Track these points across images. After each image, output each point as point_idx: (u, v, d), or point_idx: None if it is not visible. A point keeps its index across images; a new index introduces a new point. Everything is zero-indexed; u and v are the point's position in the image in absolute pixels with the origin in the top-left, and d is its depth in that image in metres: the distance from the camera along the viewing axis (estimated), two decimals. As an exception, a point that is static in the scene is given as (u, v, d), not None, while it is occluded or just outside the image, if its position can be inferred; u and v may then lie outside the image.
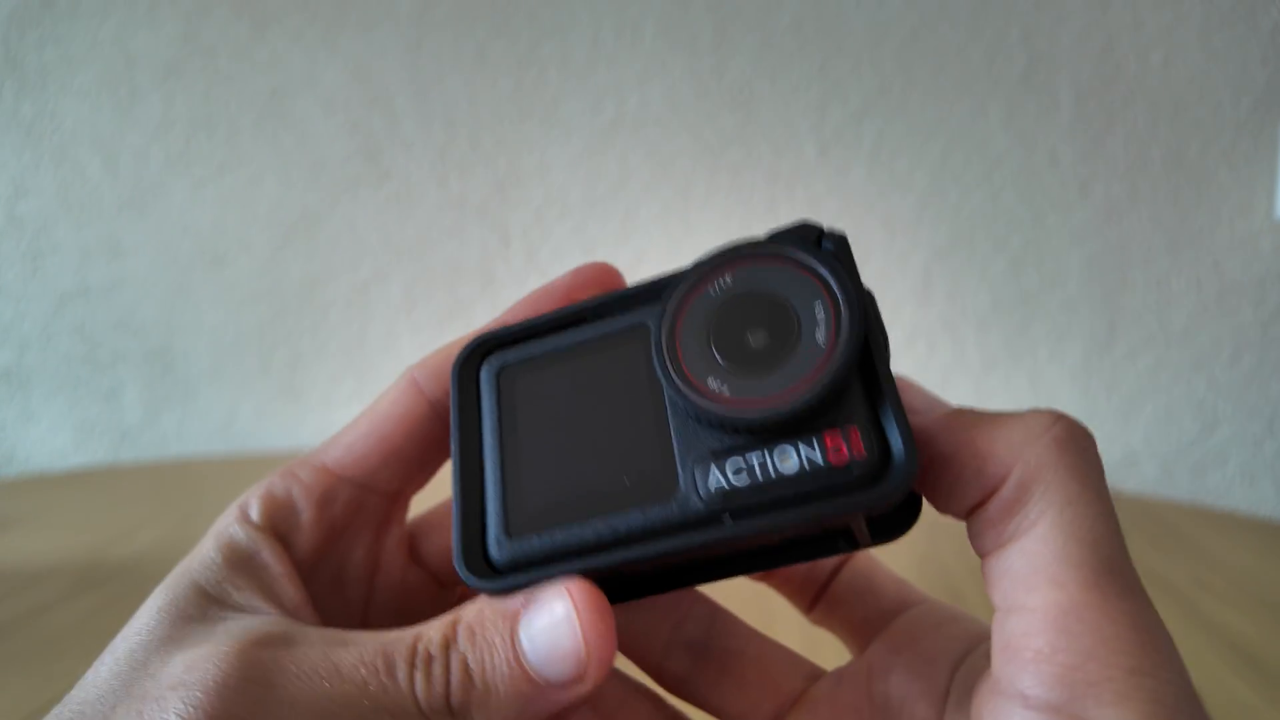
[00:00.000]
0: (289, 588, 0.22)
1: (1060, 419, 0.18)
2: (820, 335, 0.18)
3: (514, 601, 0.19)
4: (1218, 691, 0.41)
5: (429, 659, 0.18)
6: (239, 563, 0.21)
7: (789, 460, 0.18)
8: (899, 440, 0.17)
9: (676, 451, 0.19)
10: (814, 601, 0.26)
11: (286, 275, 0.83)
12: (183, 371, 0.86)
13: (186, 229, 0.84)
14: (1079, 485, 0.17)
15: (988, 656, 0.20)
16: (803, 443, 0.18)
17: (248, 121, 0.82)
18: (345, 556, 0.24)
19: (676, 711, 0.25)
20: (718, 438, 0.19)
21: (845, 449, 0.18)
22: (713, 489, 0.18)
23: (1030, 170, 0.73)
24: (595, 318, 0.22)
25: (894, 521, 0.20)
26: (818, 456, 0.18)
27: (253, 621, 0.19)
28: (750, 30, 0.75)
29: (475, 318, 0.81)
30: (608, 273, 0.24)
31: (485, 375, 0.23)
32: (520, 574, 0.20)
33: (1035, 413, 0.18)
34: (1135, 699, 0.14)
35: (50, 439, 0.88)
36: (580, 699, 0.19)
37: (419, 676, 0.18)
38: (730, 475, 0.18)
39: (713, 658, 0.25)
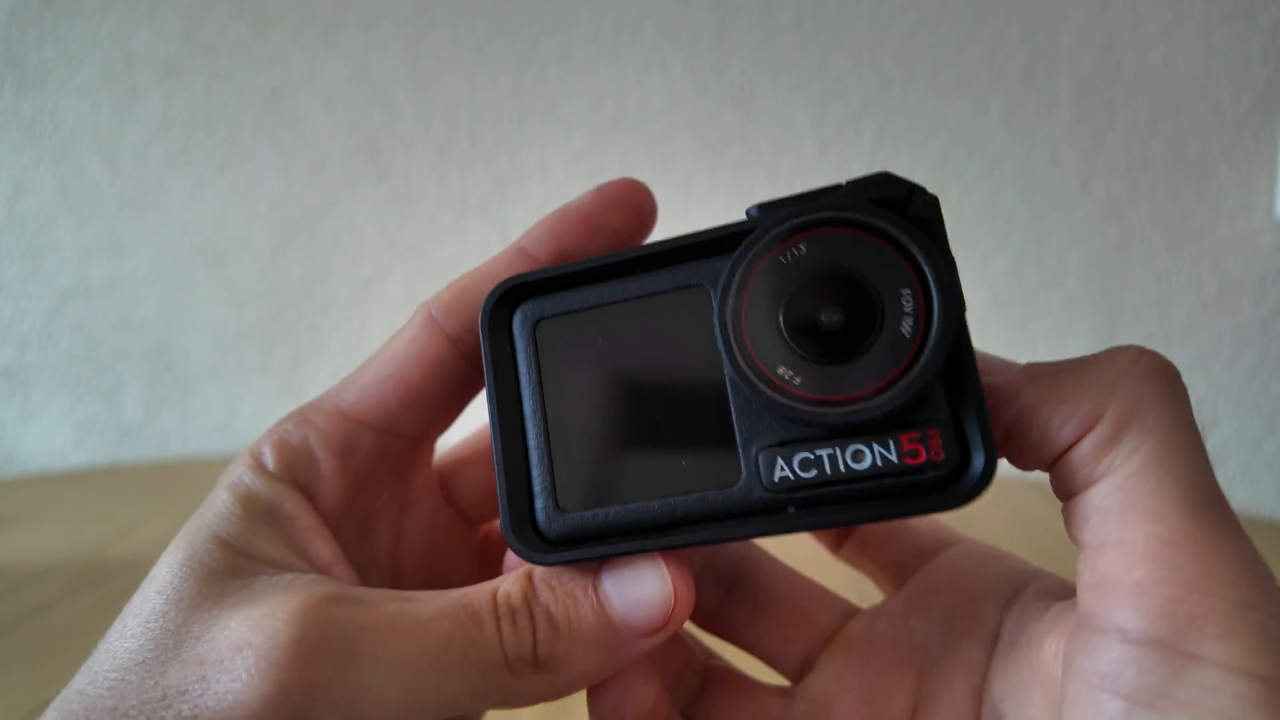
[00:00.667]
0: (318, 542, 0.20)
1: (1145, 352, 0.17)
2: (907, 327, 0.17)
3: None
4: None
5: (513, 610, 0.18)
6: (262, 514, 0.20)
7: (863, 458, 0.17)
8: (980, 444, 0.17)
9: (739, 436, 0.18)
10: (842, 540, 0.25)
11: (287, 273, 0.83)
12: (183, 370, 0.86)
13: (187, 227, 0.84)
14: (1173, 417, 0.16)
15: (1044, 596, 0.19)
16: (878, 442, 0.17)
17: (248, 120, 0.82)
18: (370, 506, 0.23)
19: (707, 649, 0.25)
20: (785, 427, 0.18)
21: (924, 452, 0.17)
22: (778, 480, 0.17)
23: (1030, 168, 0.73)
24: (643, 270, 0.20)
25: None
26: (893, 457, 0.17)
27: (304, 579, 0.18)
28: (751, 28, 0.75)
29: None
30: (638, 192, 0.22)
31: (520, 325, 0.20)
32: (574, 549, 0.19)
33: (1119, 349, 0.18)
34: (1241, 632, 0.14)
35: (50, 437, 0.88)
36: (655, 646, 0.19)
37: (505, 626, 0.18)
38: (798, 468, 0.17)
39: (745, 593, 0.24)
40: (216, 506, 0.20)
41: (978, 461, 0.17)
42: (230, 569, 0.18)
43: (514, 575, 0.19)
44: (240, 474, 0.21)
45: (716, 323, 0.18)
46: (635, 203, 0.22)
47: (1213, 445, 0.73)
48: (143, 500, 0.70)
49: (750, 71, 0.75)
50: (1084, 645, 0.16)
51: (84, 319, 0.86)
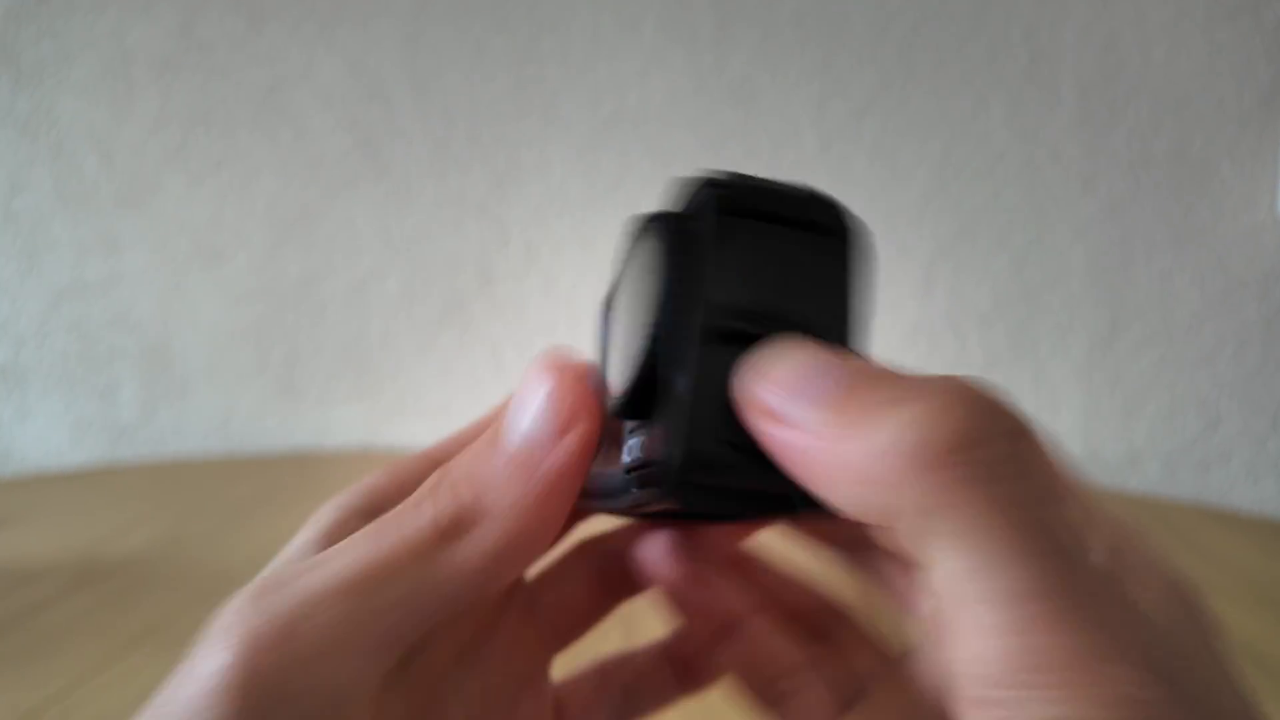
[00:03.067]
0: None
1: (946, 414, 0.13)
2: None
3: None
4: (1223, 690, 0.40)
5: (431, 489, 0.18)
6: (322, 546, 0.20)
7: (633, 449, 0.18)
8: (678, 448, 0.16)
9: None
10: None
11: (284, 272, 0.83)
12: (179, 369, 0.86)
13: (183, 225, 0.83)
14: (986, 515, 0.13)
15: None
16: (639, 434, 0.18)
17: (245, 117, 0.81)
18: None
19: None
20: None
21: (650, 447, 0.17)
22: (626, 460, 0.18)
23: (1032, 165, 0.73)
24: None
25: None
26: (638, 450, 0.18)
27: None
28: (751, 25, 0.74)
29: (474, 314, 0.81)
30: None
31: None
32: None
33: (920, 399, 0.13)
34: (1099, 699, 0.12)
35: (46, 436, 0.88)
36: (574, 457, 0.18)
37: (426, 506, 0.18)
38: (628, 452, 0.18)
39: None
40: (292, 543, 0.20)
41: (664, 464, 0.16)
42: None
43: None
44: (323, 511, 0.21)
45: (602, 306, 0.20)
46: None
47: (1215, 444, 0.73)
48: (139, 499, 0.70)
49: (750, 69, 0.75)
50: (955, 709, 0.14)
51: (80, 317, 0.85)
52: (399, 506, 0.18)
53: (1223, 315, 0.71)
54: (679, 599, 0.23)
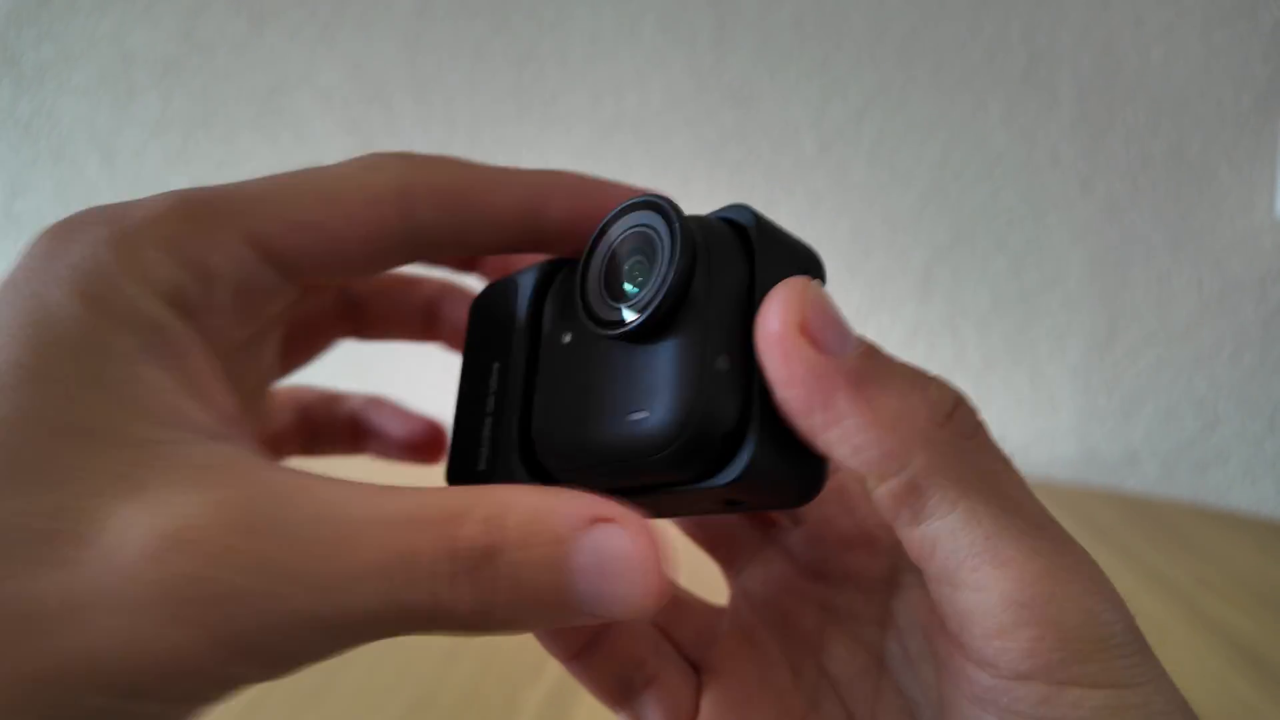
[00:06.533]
0: (219, 390, 0.16)
1: (935, 406, 0.17)
2: None
3: (569, 519, 0.15)
4: (1220, 690, 0.40)
5: (474, 564, 0.14)
6: (148, 338, 0.15)
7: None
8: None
9: None
10: None
11: (285, 273, 0.83)
12: (181, 370, 0.86)
13: (184, 227, 0.84)
14: (976, 477, 0.16)
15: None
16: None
17: (246, 119, 0.81)
18: (257, 360, 0.21)
19: None
20: None
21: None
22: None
23: (1031, 167, 0.73)
24: None
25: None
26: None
27: (221, 453, 0.14)
28: (750, 27, 0.75)
29: (474, 316, 0.81)
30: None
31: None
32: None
33: (914, 389, 0.17)
34: (1094, 652, 0.16)
35: (48, 437, 0.88)
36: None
37: (461, 584, 0.14)
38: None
39: None
40: (66, 306, 0.14)
41: None
42: (107, 413, 0.14)
43: (478, 514, 0.15)
44: (112, 274, 0.15)
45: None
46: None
47: (1213, 445, 0.73)
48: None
49: (749, 70, 0.75)
50: (959, 667, 0.17)
51: (82, 319, 0.86)
52: (439, 543, 0.14)
53: (1220, 317, 0.71)
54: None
